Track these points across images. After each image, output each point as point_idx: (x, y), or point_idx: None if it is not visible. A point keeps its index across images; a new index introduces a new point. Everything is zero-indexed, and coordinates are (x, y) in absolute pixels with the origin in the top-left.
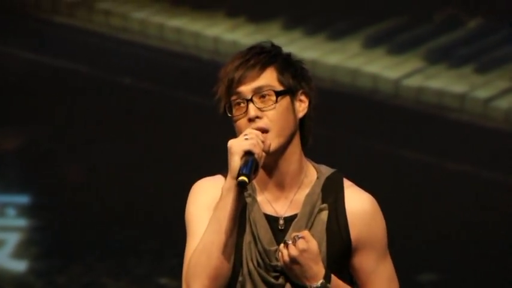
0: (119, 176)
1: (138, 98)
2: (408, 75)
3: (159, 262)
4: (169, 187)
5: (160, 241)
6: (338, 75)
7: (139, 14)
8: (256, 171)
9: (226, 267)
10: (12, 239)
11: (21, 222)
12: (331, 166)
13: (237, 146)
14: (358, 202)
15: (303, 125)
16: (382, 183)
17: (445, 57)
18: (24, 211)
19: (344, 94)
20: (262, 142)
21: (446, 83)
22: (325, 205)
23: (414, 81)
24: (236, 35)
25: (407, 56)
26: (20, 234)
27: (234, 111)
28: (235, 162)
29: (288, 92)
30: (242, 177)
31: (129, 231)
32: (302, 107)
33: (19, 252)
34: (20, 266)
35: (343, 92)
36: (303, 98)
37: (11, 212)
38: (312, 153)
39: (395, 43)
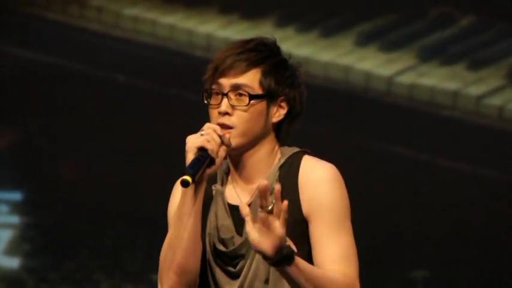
0: (112, 173)
1: (131, 95)
2: (401, 72)
3: (152, 259)
4: (162, 184)
5: (153, 238)
6: (331, 72)
7: (132, 11)
8: (211, 164)
9: (192, 262)
10: (5, 236)
11: (14, 219)
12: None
13: (191, 143)
14: (309, 171)
15: (278, 128)
16: (375, 180)
17: (438, 54)
18: (17, 208)
19: (337, 91)
20: (220, 136)
21: (439, 80)
22: (278, 184)
23: (407, 78)
24: (229, 32)
25: (399, 53)
26: (13, 231)
27: (211, 99)
28: (189, 159)
29: (265, 96)
30: (184, 177)
31: (121, 228)
32: (279, 113)
33: (12, 249)
34: (12, 263)
35: (336, 89)
36: (283, 104)
37: (4, 208)
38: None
39: (387, 40)
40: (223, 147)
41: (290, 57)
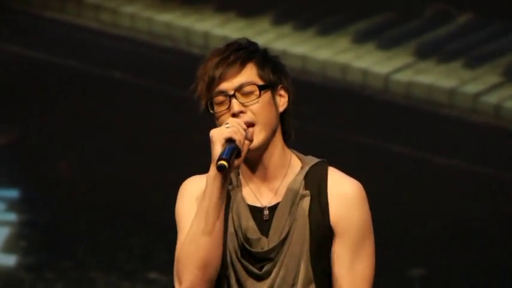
0: (109, 171)
1: (128, 93)
2: (398, 70)
3: (149, 257)
4: (158, 182)
5: (150, 236)
6: (328, 70)
7: (129, 9)
8: (238, 156)
9: (216, 256)
10: (2, 234)
11: (11, 216)
12: (324, 159)
13: (218, 134)
14: (340, 185)
15: (283, 120)
16: (372, 178)
17: (435, 52)
18: (14, 206)
19: (334, 89)
20: (245, 130)
21: (436, 78)
22: (306, 191)
23: (404, 76)
24: (226, 30)
25: (396, 51)
26: (10, 229)
27: (216, 108)
28: (217, 150)
29: (269, 86)
30: (221, 162)
31: (118, 226)
32: (282, 101)
33: (8, 247)
34: (9, 261)
35: (333, 87)
36: (282, 92)
37: (1, 206)
38: (302, 147)
39: (384, 38)
40: (247, 143)
41: (266, 49)
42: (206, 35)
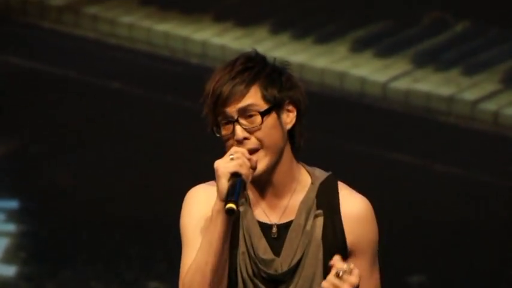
0: (107, 181)
1: (126, 103)
2: (396, 78)
3: (149, 266)
4: (158, 191)
5: (150, 245)
6: (326, 79)
7: (127, 19)
8: (244, 190)
9: (222, 284)
10: (1, 244)
11: (10, 227)
12: (320, 169)
13: (223, 168)
14: (353, 206)
15: (293, 134)
16: (371, 185)
17: (433, 60)
18: (13, 216)
19: (332, 97)
20: (249, 160)
21: (434, 85)
22: (320, 211)
23: (402, 84)
24: (224, 39)
25: (394, 59)
26: (9, 239)
27: (222, 130)
28: (223, 185)
29: (274, 108)
30: (230, 205)
31: (118, 235)
32: (290, 117)
33: (8, 257)
34: (9, 271)
35: (331, 95)
36: (290, 108)
37: (0, 217)
38: (301, 156)
39: (382, 46)
40: (251, 171)
41: (275, 60)
42: (204, 45)
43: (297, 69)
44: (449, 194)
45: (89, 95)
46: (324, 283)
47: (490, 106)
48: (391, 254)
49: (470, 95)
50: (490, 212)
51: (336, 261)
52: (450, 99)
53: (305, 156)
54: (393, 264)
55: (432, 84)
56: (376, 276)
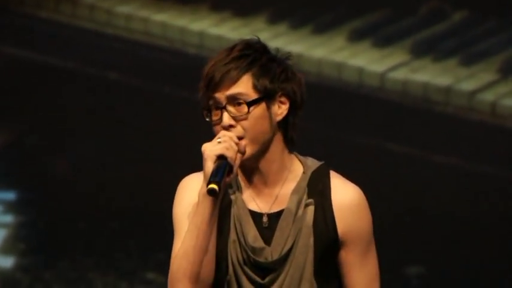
0: (105, 172)
1: (123, 93)
2: (393, 68)
3: (146, 257)
4: (155, 182)
5: (147, 236)
6: (323, 69)
7: (124, 9)
8: (230, 173)
9: (208, 270)
10: None
11: (8, 218)
12: (318, 159)
13: (209, 151)
14: (344, 194)
15: (285, 125)
16: (369, 176)
17: (430, 50)
18: (11, 207)
19: (329, 87)
20: (237, 144)
21: (432, 75)
22: (311, 200)
23: (399, 74)
24: (221, 29)
25: (392, 49)
26: (7, 231)
27: (211, 115)
28: (208, 167)
29: (263, 99)
30: (211, 185)
31: (115, 226)
32: (282, 109)
33: (6, 248)
34: (6, 262)
35: (329, 85)
36: (283, 99)
37: None
38: (298, 147)
39: (380, 36)
40: (239, 155)
41: (278, 51)
42: (201, 35)
43: (295, 59)
44: (447, 185)
45: (86, 85)
46: None
47: (488, 96)
48: (389, 245)
49: (468, 85)
50: (488, 203)
51: None
52: (448, 90)
53: (303, 146)
54: (391, 255)
55: (430, 75)
56: (372, 264)
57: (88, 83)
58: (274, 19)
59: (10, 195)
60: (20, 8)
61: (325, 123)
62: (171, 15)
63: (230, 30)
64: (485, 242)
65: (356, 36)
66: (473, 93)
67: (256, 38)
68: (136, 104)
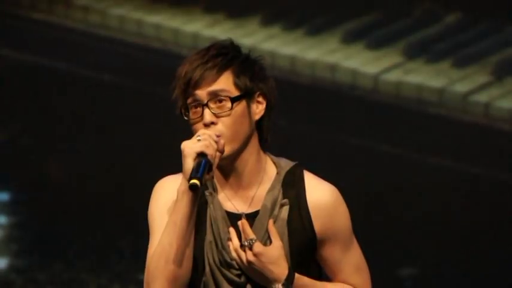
0: (99, 173)
1: (117, 95)
2: (387, 70)
3: (139, 258)
4: (149, 183)
5: (141, 237)
6: (317, 71)
7: (118, 10)
8: (210, 171)
9: (185, 269)
10: None
11: (1, 219)
12: (311, 161)
13: (189, 148)
14: (319, 194)
15: (260, 126)
16: (362, 177)
17: (424, 51)
18: (4, 208)
19: (323, 89)
20: (216, 142)
21: (425, 77)
22: (285, 200)
23: (393, 76)
24: (215, 31)
25: (386, 50)
26: (0, 231)
27: (190, 114)
28: (188, 164)
29: (244, 96)
30: (193, 181)
31: (109, 228)
32: (259, 109)
33: None
34: (0, 263)
35: (322, 87)
36: (260, 99)
37: None
38: (291, 148)
39: (373, 38)
40: (218, 154)
41: (250, 51)
42: (195, 36)
43: (288, 61)
44: (440, 186)
45: (79, 87)
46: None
47: (481, 98)
48: (382, 246)
49: (461, 87)
50: (481, 204)
51: (245, 225)
52: (441, 91)
53: (295, 147)
54: (384, 257)
55: (423, 76)
56: (356, 255)
57: (81, 84)
58: (267, 21)
59: (3, 196)
60: (14, 8)
61: (318, 124)
62: (165, 17)
63: (224, 32)
64: (478, 243)
65: (349, 38)
66: (466, 95)
67: (230, 39)
68: (129, 105)
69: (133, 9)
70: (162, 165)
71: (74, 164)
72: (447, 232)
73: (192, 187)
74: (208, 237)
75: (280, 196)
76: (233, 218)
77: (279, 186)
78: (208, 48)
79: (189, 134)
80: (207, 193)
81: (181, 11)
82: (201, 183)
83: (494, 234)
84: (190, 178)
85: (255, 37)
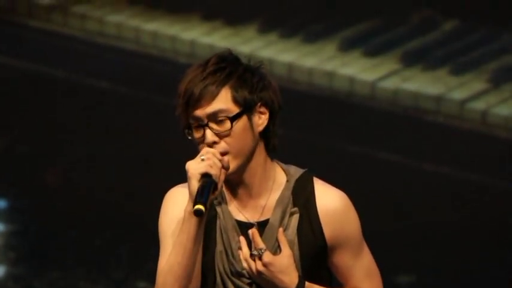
0: (96, 180)
1: (115, 102)
2: (384, 77)
3: (137, 266)
4: (147, 190)
5: (139, 245)
6: (314, 78)
7: (115, 18)
8: (215, 190)
9: (193, 285)
10: None
11: None
12: (308, 168)
13: (193, 169)
14: (329, 201)
15: (266, 134)
16: (360, 184)
17: (421, 59)
18: (2, 216)
19: (320, 96)
20: (220, 160)
21: (422, 85)
22: (295, 209)
23: (390, 83)
24: (212, 38)
25: (383, 58)
26: None
27: (194, 133)
28: (193, 186)
29: (244, 111)
30: (198, 206)
31: (107, 235)
32: (262, 119)
33: None
34: None
35: (320, 94)
36: (262, 109)
37: None
38: (289, 155)
39: (371, 45)
40: (223, 171)
41: (250, 60)
42: (193, 44)
43: (285, 68)
44: (437, 193)
45: (77, 94)
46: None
47: (478, 105)
48: (380, 253)
49: (458, 94)
50: (478, 211)
51: (254, 234)
52: (438, 99)
53: (293, 155)
54: (381, 264)
55: (420, 84)
56: (368, 260)
57: (79, 91)
58: (265, 28)
59: (1, 204)
60: (11, 16)
61: (316, 131)
62: (162, 24)
63: (221, 39)
64: (475, 250)
65: (347, 46)
66: (463, 102)
67: (228, 50)
68: (126, 112)
69: (131, 17)
70: (162, 173)
71: (72, 172)
72: (445, 239)
73: (197, 213)
74: (219, 247)
75: (290, 204)
76: (243, 227)
77: (288, 194)
78: (206, 63)
79: (187, 141)
80: (216, 203)
81: (179, 19)
82: (205, 207)
83: (493, 240)
84: (195, 203)
85: (252, 44)
